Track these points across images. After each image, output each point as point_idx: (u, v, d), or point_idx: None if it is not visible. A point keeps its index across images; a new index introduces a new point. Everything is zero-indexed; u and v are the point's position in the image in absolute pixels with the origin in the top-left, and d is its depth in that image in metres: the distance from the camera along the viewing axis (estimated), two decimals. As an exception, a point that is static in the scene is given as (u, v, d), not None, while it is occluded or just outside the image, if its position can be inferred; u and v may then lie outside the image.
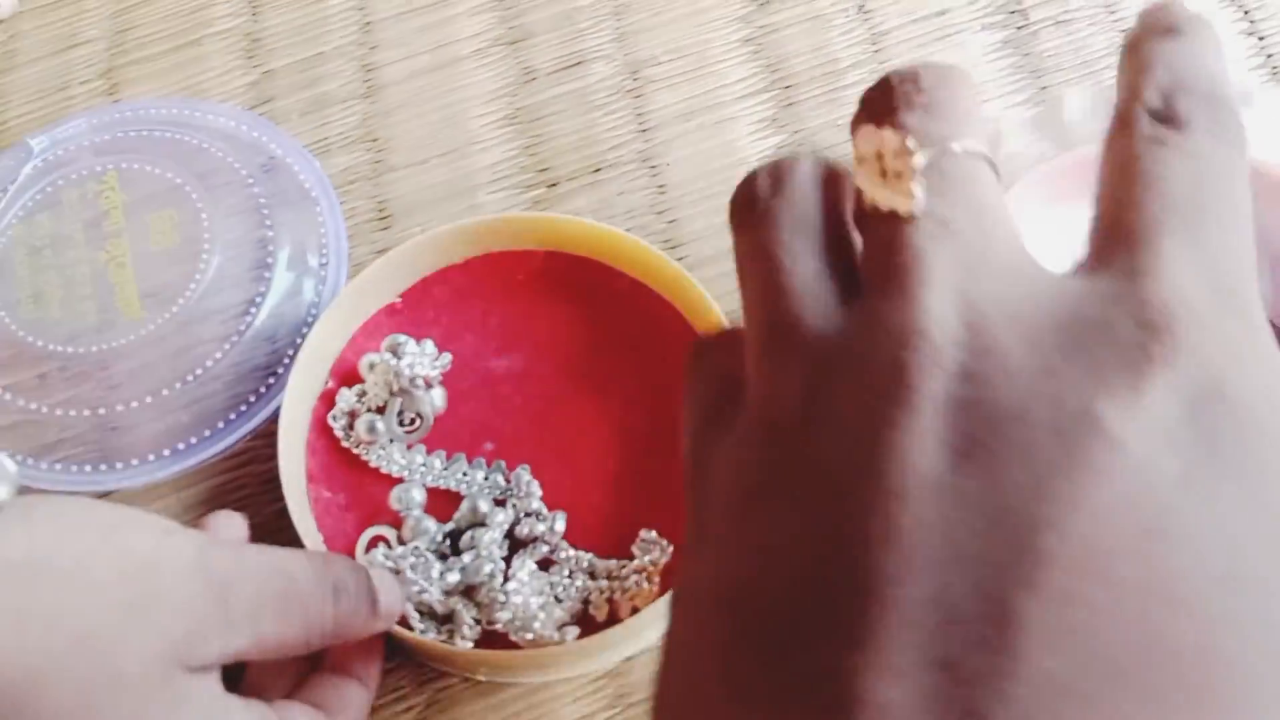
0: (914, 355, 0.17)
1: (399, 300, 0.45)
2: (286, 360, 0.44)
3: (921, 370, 0.17)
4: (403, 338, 0.43)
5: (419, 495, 0.41)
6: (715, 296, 0.43)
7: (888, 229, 0.19)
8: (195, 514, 0.43)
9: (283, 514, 0.39)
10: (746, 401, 0.20)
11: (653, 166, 0.49)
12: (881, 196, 0.19)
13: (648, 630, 0.39)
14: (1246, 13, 0.50)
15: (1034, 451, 0.16)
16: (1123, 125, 0.20)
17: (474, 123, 0.50)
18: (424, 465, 0.42)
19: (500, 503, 0.41)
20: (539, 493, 0.41)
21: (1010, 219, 0.20)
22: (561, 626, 0.39)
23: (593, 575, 0.40)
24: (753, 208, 0.22)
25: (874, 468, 0.17)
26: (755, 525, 0.18)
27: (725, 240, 0.47)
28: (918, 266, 0.18)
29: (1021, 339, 0.18)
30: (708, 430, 0.21)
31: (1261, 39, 0.50)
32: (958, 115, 0.20)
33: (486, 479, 0.41)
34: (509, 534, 0.40)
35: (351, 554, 0.40)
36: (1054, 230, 0.41)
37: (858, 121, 0.21)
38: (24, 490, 0.33)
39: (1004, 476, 0.16)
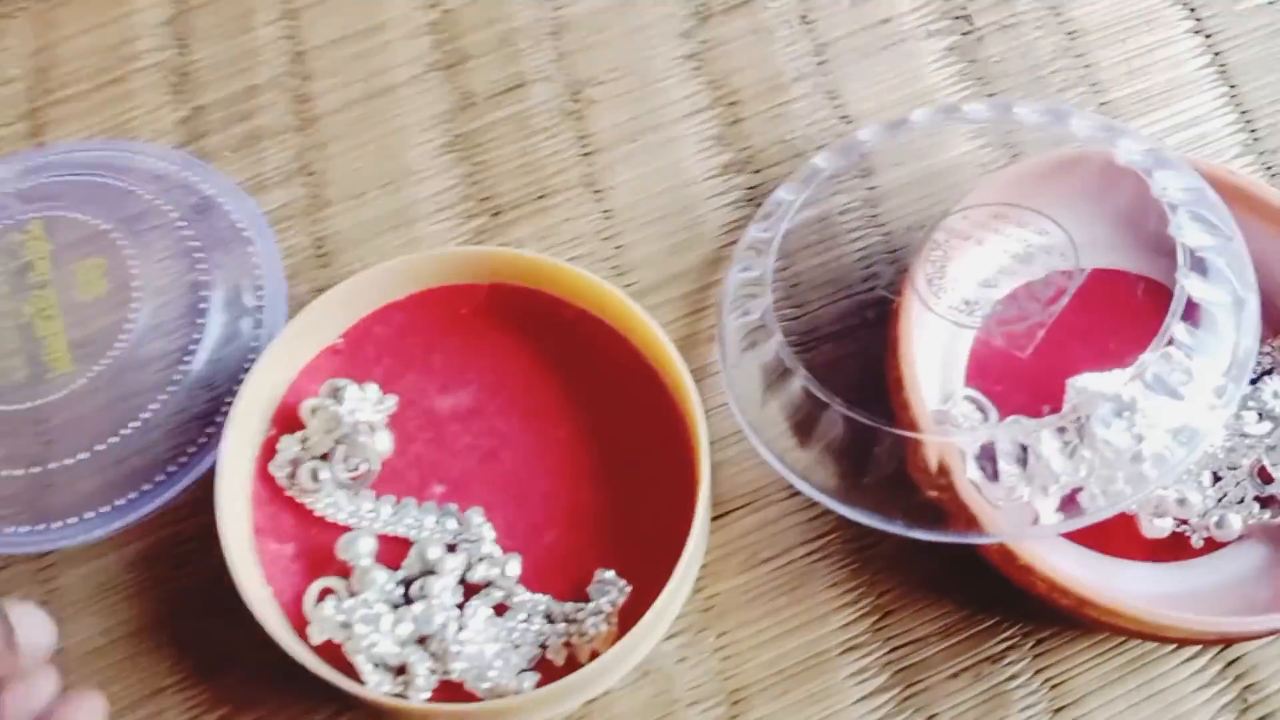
0: None
1: (340, 341, 0.43)
2: (226, 407, 0.42)
3: None
4: (343, 381, 0.41)
5: (367, 544, 0.39)
6: (664, 323, 0.42)
7: None
8: (136, 573, 0.42)
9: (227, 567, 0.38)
10: None
11: (597, 191, 0.47)
12: None
13: (608, 674, 0.38)
14: (1192, 10, 0.50)
15: None
16: None
17: (412, 152, 0.49)
18: (372, 512, 0.40)
19: (453, 548, 0.40)
20: (492, 536, 0.40)
21: None
22: (520, 673, 0.38)
23: (550, 619, 0.39)
24: None
25: None
26: None
27: (673, 264, 0.46)
28: None
29: None
30: None
31: (1209, 36, 0.49)
32: None
33: (438, 523, 0.40)
34: (463, 580, 0.39)
35: (299, 608, 0.39)
36: (999, 243, 0.41)
37: None
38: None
39: None
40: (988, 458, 0.35)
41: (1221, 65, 0.49)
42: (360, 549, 0.39)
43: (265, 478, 0.41)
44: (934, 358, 0.40)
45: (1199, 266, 0.35)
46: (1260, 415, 0.39)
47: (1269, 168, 0.47)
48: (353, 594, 0.39)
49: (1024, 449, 0.35)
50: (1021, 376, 0.39)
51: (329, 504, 0.40)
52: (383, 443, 0.41)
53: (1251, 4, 0.49)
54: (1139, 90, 0.48)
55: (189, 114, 0.50)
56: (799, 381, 0.37)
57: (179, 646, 0.41)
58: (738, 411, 0.40)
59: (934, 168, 0.46)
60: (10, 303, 0.44)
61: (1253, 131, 0.47)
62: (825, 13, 0.51)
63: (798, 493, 0.41)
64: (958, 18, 0.50)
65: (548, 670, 0.38)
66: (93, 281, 0.44)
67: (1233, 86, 0.48)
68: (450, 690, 0.38)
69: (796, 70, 0.49)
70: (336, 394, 0.41)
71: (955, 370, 0.41)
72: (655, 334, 0.41)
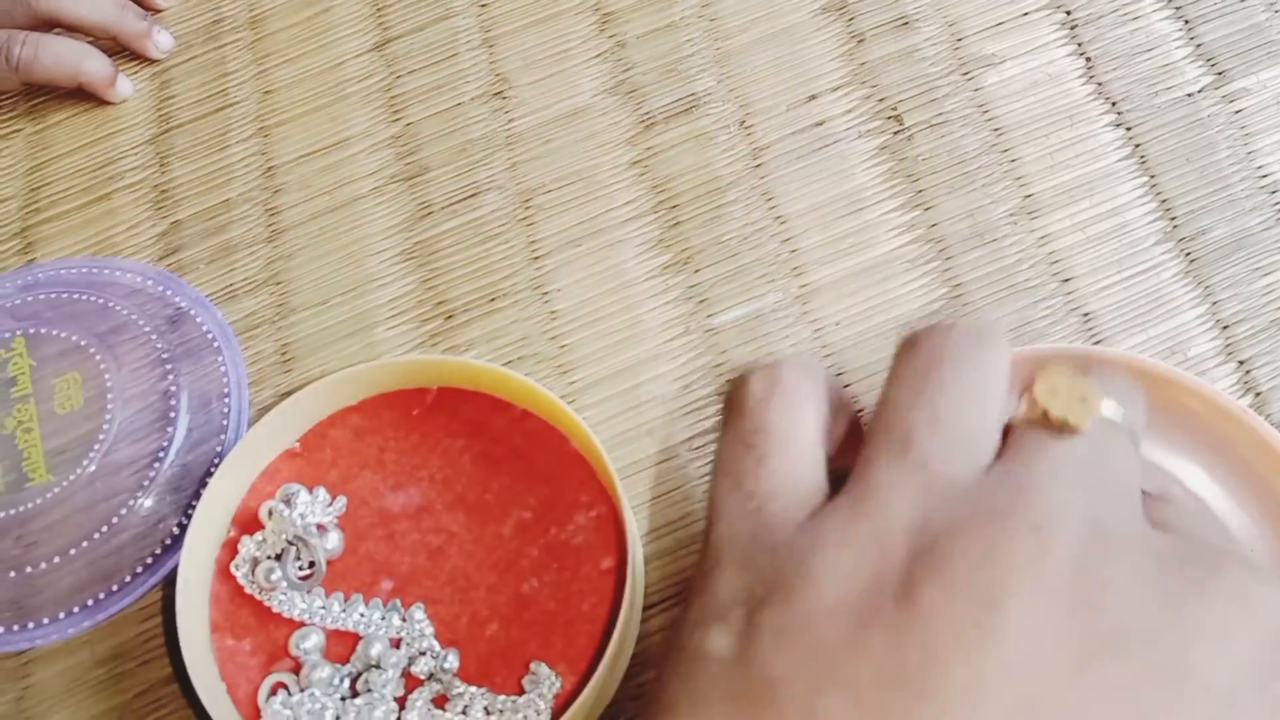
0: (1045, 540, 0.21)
1: (297, 445, 0.46)
2: (192, 509, 0.45)
3: (1050, 556, 0.21)
4: (295, 487, 0.44)
5: (316, 639, 0.42)
6: (602, 418, 0.45)
7: (1045, 432, 0.24)
8: (106, 670, 0.44)
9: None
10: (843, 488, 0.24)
11: (544, 293, 0.50)
12: (1062, 410, 0.24)
13: (541, 762, 0.40)
14: (1114, 104, 0.52)
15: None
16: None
17: (372, 260, 0.52)
18: (323, 608, 0.43)
19: (396, 643, 0.42)
20: (431, 631, 0.42)
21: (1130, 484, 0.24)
22: (457, 763, 0.40)
23: (487, 711, 0.41)
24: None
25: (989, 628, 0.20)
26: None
27: (613, 362, 0.49)
28: (1060, 469, 0.23)
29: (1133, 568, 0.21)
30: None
31: (1129, 130, 0.51)
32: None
33: (383, 619, 0.42)
34: (406, 672, 0.42)
35: (255, 701, 0.41)
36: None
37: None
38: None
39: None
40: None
41: (1142, 157, 0.51)
42: (310, 644, 0.42)
43: (226, 576, 0.44)
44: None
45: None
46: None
47: (1187, 254, 0.48)
48: (303, 689, 0.41)
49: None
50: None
51: (284, 601, 0.43)
52: (332, 542, 0.43)
53: (1170, 98, 0.52)
54: (1062, 182, 0.50)
55: (167, 229, 0.53)
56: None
57: (145, 738, 0.43)
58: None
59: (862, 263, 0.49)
60: (-7, 416, 0.47)
61: (1172, 219, 0.49)
62: (763, 118, 0.53)
63: (727, 582, 0.43)
64: (889, 118, 0.53)
65: (485, 758, 0.40)
66: (70, 395, 0.47)
67: (1152, 177, 0.50)
68: (395, 778, 0.40)
69: (733, 175, 0.52)
70: (289, 499, 0.44)
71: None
72: (586, 433, 0.43)
